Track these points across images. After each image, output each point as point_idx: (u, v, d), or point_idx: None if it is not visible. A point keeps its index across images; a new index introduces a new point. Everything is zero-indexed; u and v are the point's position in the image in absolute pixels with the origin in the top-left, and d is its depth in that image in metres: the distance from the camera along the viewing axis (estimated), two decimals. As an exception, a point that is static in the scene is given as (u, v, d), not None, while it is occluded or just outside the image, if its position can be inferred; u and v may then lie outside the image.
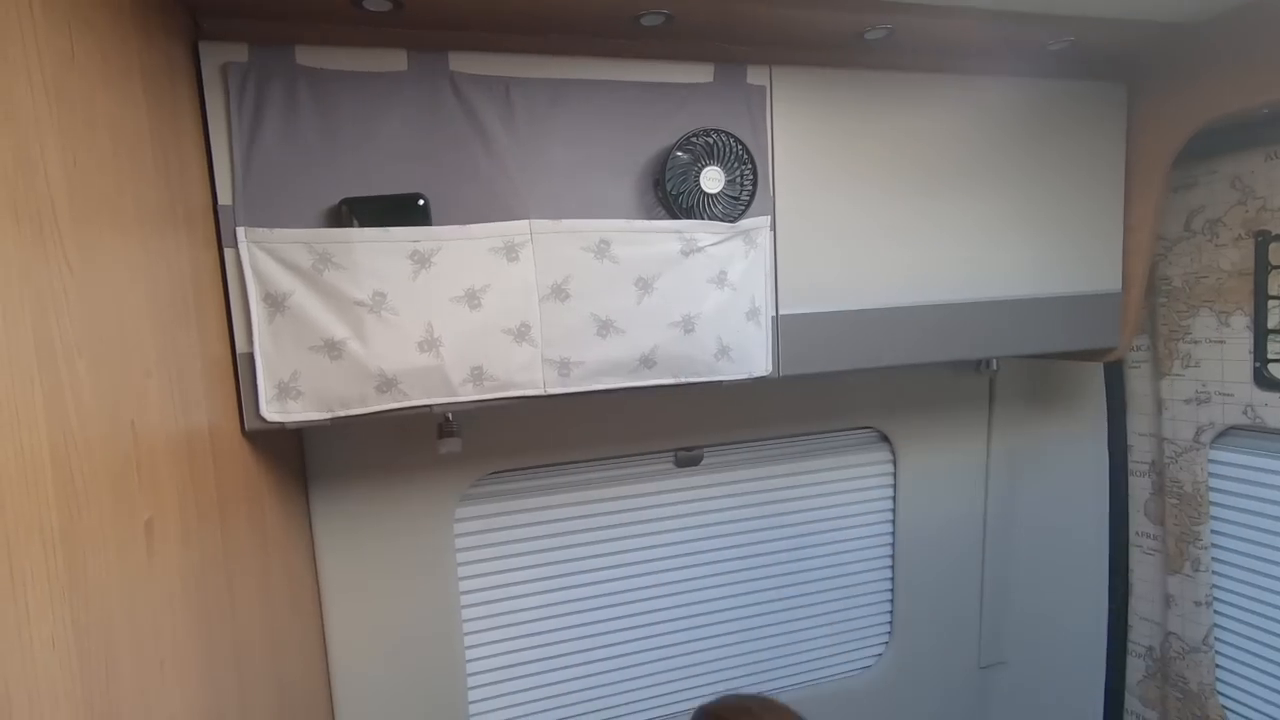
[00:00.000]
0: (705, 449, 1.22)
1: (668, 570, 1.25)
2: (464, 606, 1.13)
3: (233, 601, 0.70)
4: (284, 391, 0.77)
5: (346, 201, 0.76)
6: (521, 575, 1.16)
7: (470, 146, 0.80)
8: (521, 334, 0.82)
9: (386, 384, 0.79)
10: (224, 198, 0.74)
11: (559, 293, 0.83)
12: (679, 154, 0.86)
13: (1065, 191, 1.06)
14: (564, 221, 0.82)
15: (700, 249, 0.87)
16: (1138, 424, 1.31)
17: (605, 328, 0.85)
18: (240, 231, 0.74)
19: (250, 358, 0.76)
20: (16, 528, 0.37)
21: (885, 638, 1.40)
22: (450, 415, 0.96)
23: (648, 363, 0.88)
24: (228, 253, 0.74)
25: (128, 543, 0.49)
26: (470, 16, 0.78)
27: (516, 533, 1.15)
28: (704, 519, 1.26)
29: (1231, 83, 0.96)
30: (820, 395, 1.26)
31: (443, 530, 1.08)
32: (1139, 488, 1.33)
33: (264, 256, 0.74)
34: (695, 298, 0.88)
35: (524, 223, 0.81)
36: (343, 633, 1.05)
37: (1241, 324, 1.11)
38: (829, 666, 1.37)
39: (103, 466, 0.47)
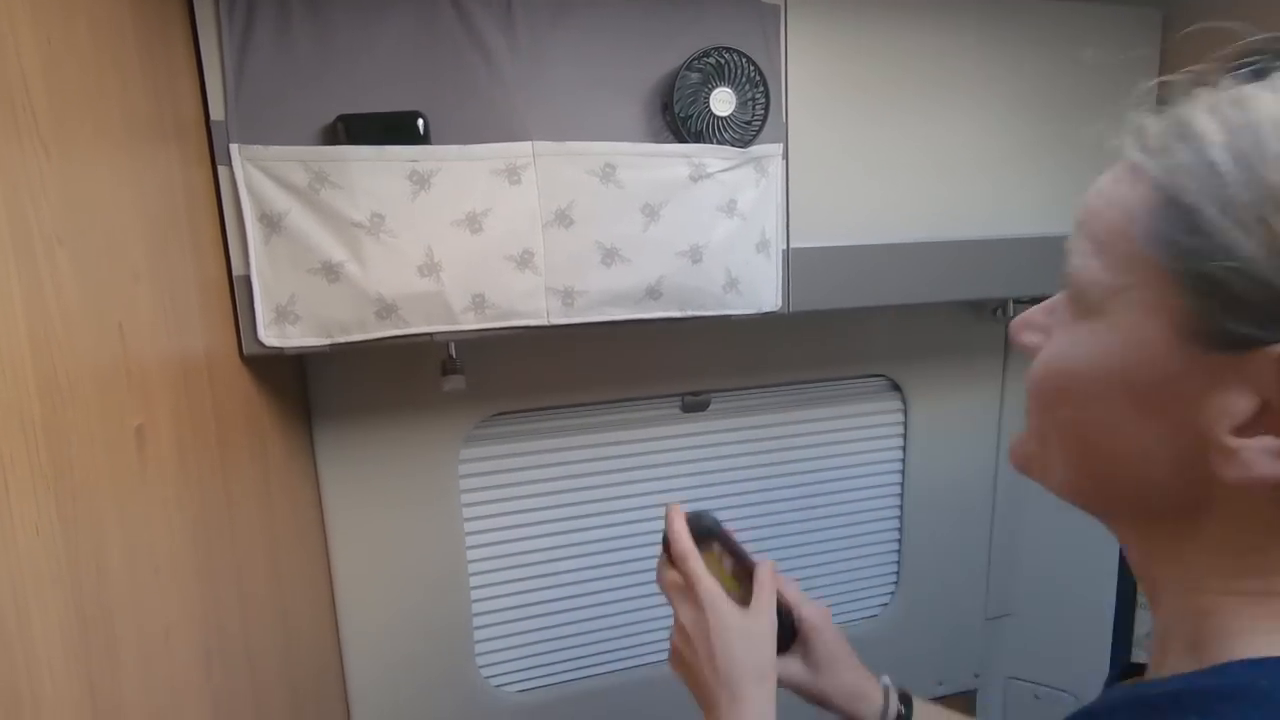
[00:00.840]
0: (713, 394, 1.21)
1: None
2: (469, 547, 1.13)
3: (232, 523, 0.69)
4: (282, 315, 0.75)
5: (342, 118, 0.73)
6: (527, 518, 1.16)
7: (470, 62, 0.77)
8: (524, 261, 0.80)
9: (386, 309, 0.77)
10: (216, 113, 0.71)
11: (563, 218, 0.80)
12: (688, 74, 0.82)
13: (1093, 121, 1.01)
14: (568, 143, 0.79)
15: (709, 175, 0.84)
16: (1158, 373, 1.28)
17: (610, 256, 0.83)
18: (234, 149, 0.72)
19: (247, 280, 0.74)
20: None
21: (892, 587, 1.39)
22: (454, 351, 0.95)
23: (654, 294, 0.85)
24: (221, 171, 0.72)
25: (117, 445, 0.49)
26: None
27: (521, 475, 1.14)
28: (711, 465, 1.25)
29: (1270, 14, 0.91)
30: (831, 340, 1.23)
31: (448, 470, 1.08)
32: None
33: (259, 175, 0.72)
34: (703, 226, 0.85)
35: (526, 144, 0.78)
36: (348, 567, 1.05)
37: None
38: (836, 614, 1.35)
39: (88, 365, 0.46)
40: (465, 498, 1.11)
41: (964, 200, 0.97)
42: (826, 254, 0.93)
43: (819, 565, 1.34)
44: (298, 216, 0.73)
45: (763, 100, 0.85)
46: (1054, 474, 0.41)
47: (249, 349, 0.75)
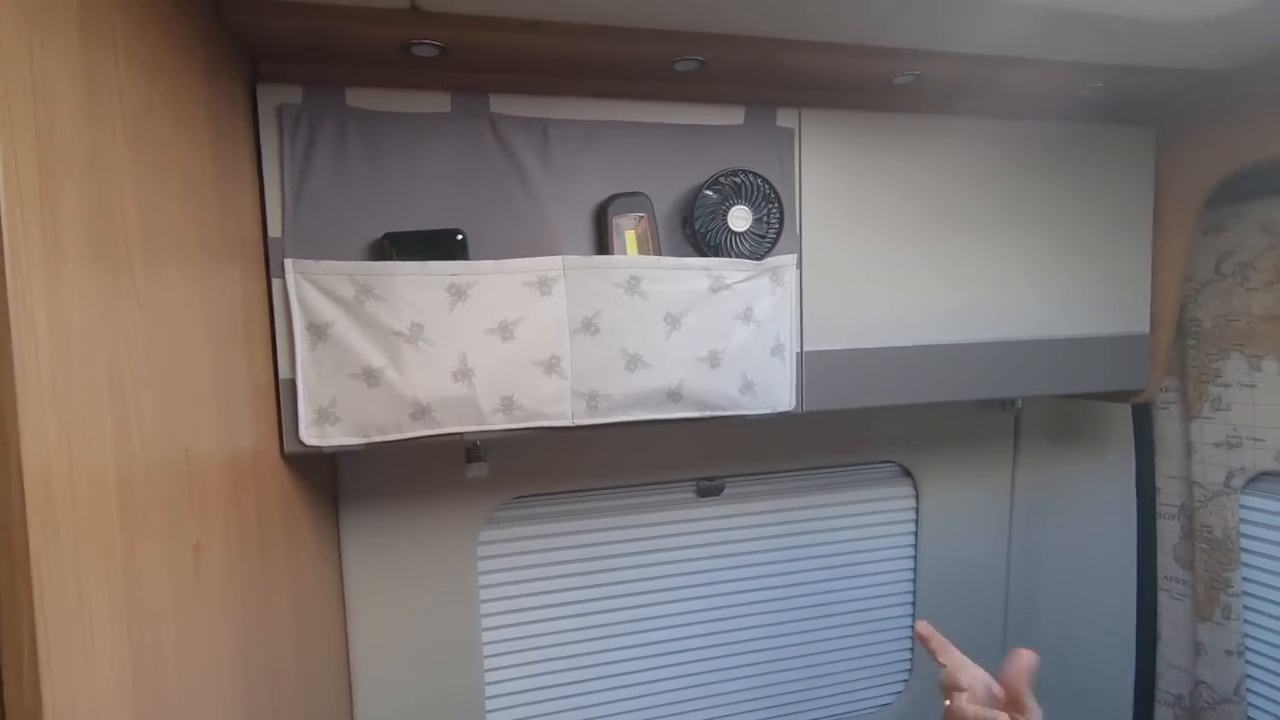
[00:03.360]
0: (727, 479, 1.23)
1: (687, 600, 1.25)
2: (485, 629, 1.14)
3: (269, 621, 0.72)
4: (323, 417, 0.80)
5: (389, 236, 0.79)
6: (542, 600, 1.17)
7: (508, 184, 0.83)
8: (551, 366, 0.85)
9: (420, 411, 0.81)
10: (274, 230, 0.77)
11: (589, 327, 0.85)
12: (708, 193, 0.88)
13: (1094, 232, 1.06)
14: (596, 258, 0.85)
15: (727, 286, 0.89)
16: (1166, 467, 1.30)
17: (634, 362, 0.87)
18: (288, 263, 0.77)
19: (292, 384, 0.79)
20: (87, 554, 0.40)
21: (905, 674, 1.38)
22: (479, 441, 0.99)
23: (674, 396, 0.89)
24: (275, 283, 0.78)
25: (178, 565, 0.52)
26: (511, 61, 0.81)
27: (538, 557, 1.17)
28: (725, 549, 1.26)
29: (1259, 130, 0.97)
30: (842, 429, 1.26)
31: (466, 552, 1.10)
32: (1168, 531, 1.31)
33: (309, 287, 0.78)
34: (722, 333, 0.90)
35: (557, 259, 0.84)
36: (366, 648, 1.07)
37: (1273, 369, 1.10)
38: (849, 703, 1.36)
39: (160, 493, 0.50)
40: (483, 579, 1.13)
41: (971, 306, 1.02)
42: (838, 356, 0.97)
43: (833, 651, 1.34)
44: (343, 326, 0.79)
45: (777, 215, 0.91)
46: None
47: (290, 448, 0.79)
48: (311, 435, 0.80)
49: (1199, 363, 1.21)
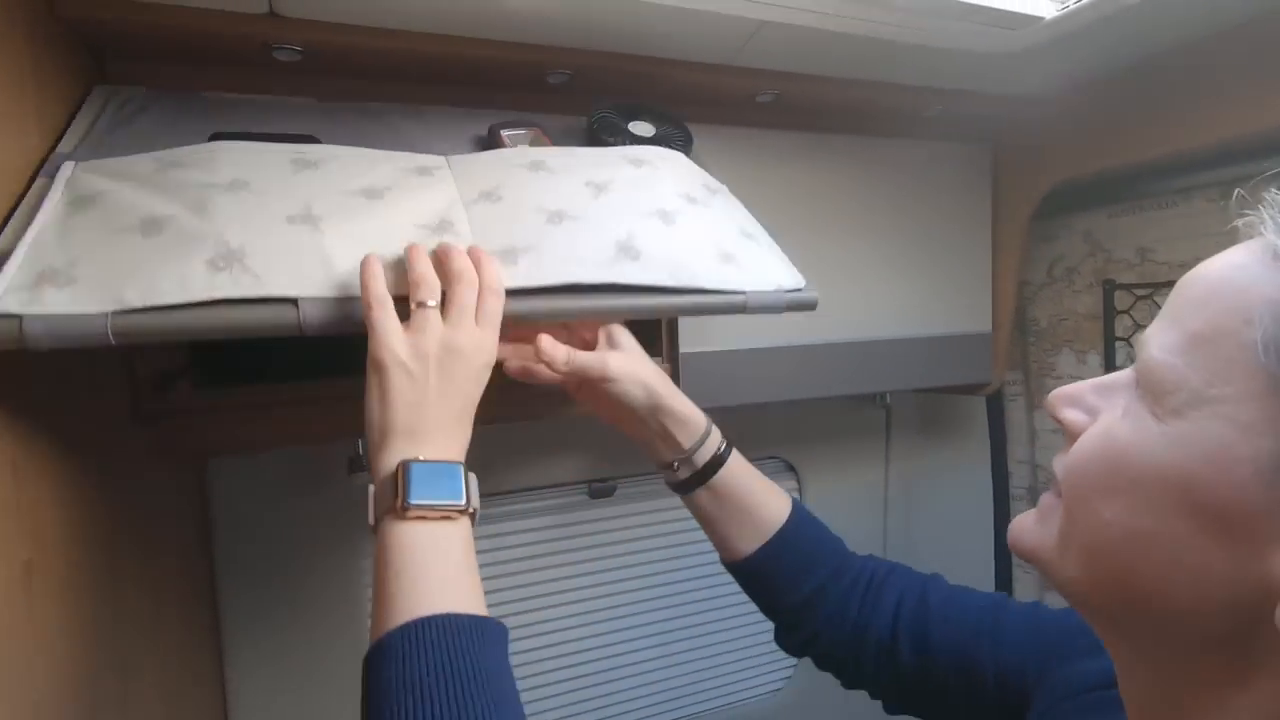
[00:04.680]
0: (618, 480, 1.26)
1: (582, 600, 1.27)
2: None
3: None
4: (43, 278, 0.47)
5: (216, 136, 0.65)
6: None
7: (375, 136, 0.73)
8: (443, 229, 0.59)
9: (227, 258, 0.50)
10: (64, 146, 0.60)
11: (490, 196, 0.63)
12: (605, 114, 0.84)
13: (941, 240, 1.17)
14: (486, 152, 0.71)
15: (649, 163, 0.74)
16: (1016, 452, 1.43)
17: (557, 216, 0.63)
18: (68, 164, 0.56)
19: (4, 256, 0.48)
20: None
21: (794, 661, 1.45)
22: (361, 449, 0.97)
23: (630, 252, 0.63)
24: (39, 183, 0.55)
25: None
26: (377, 67, 0.81)
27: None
28: (618, 549, 1.29)
29: (1078, 149, 1.10)
30: (729, 426, 1.32)
31: (351, 566, 1.08)
32: (1018, 511, 1.44)
33: (87, 173, 0.55)
34: (667, 198, 0.70)
35: (440, 156, 0.69)
36: (244, 673, 1.02)
37: (1096, 362, 1.24)
38: (739, 690, 1.42)
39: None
40: (370, 590, 1.11)
41: (835, 308, 1.09)
42: (714, 357, 1.02)
43: (722, 643, 1.39)
44: (125, 190, 0.53)
45: (680, 138, 0.87)
46: (1067, 569, 0.36)
47: None
48: (12, 300, 0.45)
49: (1038, 358, 1.35)
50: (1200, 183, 1.06)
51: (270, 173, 0.58)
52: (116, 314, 0.47)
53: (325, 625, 1.06)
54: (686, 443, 0.75)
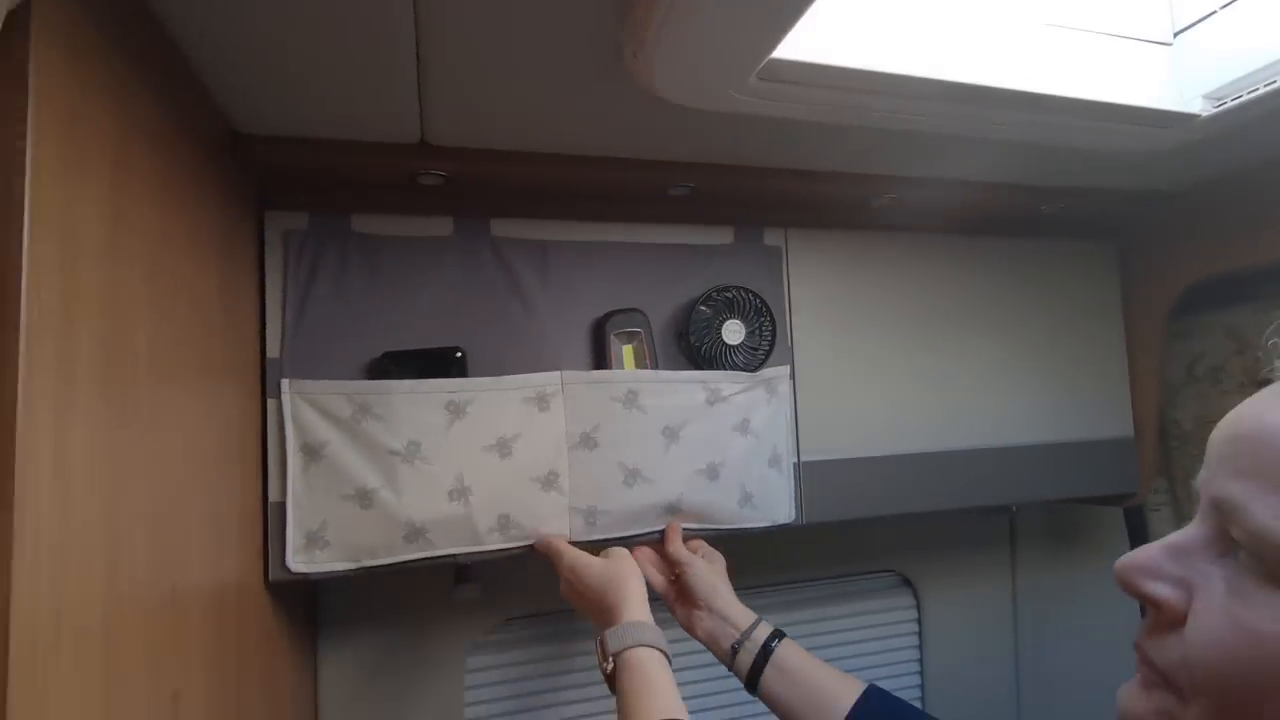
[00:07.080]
0: (726, 594, 1.19)
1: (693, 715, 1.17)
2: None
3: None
4: (312, 541, 0.76)
5: (388, 355, 0.80)
6: (532, 728, 1.09)
7: (507, 301, 0.85)
8: (549, 482, 0.83)
9: (414, 533, 0.78)
10: (272, 351, 0.77)
11: (588, 441, 0.85)
12: (702, 308, 0.90)
13: (1071, 341, 1.10)
14: (594, 373, 0.86)
15: (724, 398, 0.90)
16: (1165, 569, 1.28)
17: (633, 477, 0.86)
18: (284, 383, 0.77)
19: (281, 507, 0.76)
20: (67, 704, 0.37)
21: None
22: (470, 561, 0.95)
23: (673, 510, 0.88)
24: (270, 405, 0.77)
25: (155, 715, 0.48)
26: (512, 188, 0.85)
27: (530, 685, 1.09)
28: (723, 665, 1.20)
29: (1212, 246, 1.03)
30: (840, 538, 1.24)
31: (453, 680, 1.03)
32: (1175, 638, 1.28)
33: (305, 407, 0.77)
34: (720, 445, 0.90)
35: (555, 374, 0.84)
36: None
37: (1257, 470, 1.12)
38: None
39: (142, 638, 0.47)
40: (470, 711, 1.05)
41: (960, 412, 1.03)
42: (835, 466, 0.97)
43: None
44: (338, 445, 0.77)
45: (769, 329, 0.93)
46: None
47: (275, 575, 0.75)
48: (299, 561, 0.76)
49: (1184, 464, 1.23)
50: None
51: (435, 437, 0.79)
52: (353, 569, 0.78)
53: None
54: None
